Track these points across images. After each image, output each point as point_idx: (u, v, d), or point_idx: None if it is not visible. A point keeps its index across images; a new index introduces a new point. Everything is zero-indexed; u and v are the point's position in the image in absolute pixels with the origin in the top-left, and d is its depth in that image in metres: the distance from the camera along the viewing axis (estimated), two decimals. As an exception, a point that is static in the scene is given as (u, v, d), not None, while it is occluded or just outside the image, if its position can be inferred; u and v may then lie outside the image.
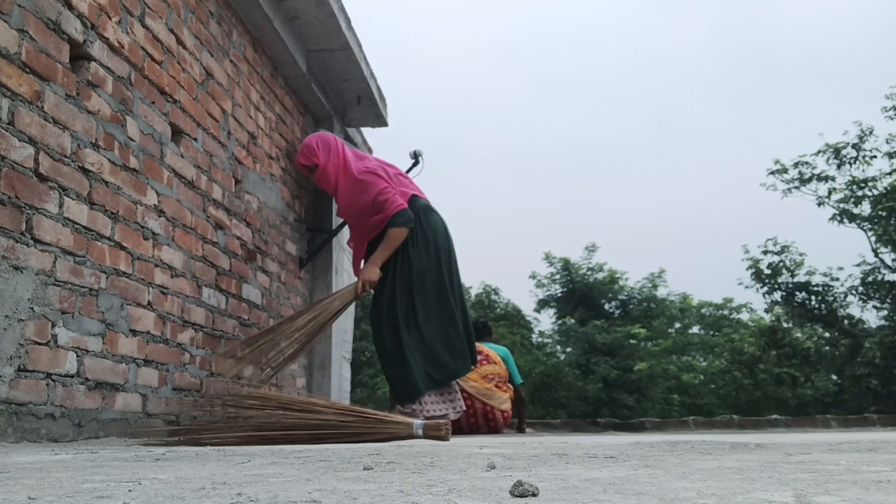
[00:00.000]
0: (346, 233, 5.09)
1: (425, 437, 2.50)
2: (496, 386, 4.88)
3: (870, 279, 13.66)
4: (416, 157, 4.93)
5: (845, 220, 13.70)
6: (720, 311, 20.28)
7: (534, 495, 0.99)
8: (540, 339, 20.31)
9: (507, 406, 4.90)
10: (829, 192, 13.84)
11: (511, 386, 5.11)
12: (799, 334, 15.26)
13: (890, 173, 13.33)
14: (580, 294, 19.32)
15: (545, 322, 27.79)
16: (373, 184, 3.81)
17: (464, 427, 4.68)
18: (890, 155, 13.36)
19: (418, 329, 3.82)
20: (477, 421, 4.77)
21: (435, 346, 3.82)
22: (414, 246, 3.87)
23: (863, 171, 13.60)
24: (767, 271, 14.45)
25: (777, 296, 14.54)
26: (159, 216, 3.01)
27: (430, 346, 3.81)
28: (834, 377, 15.75)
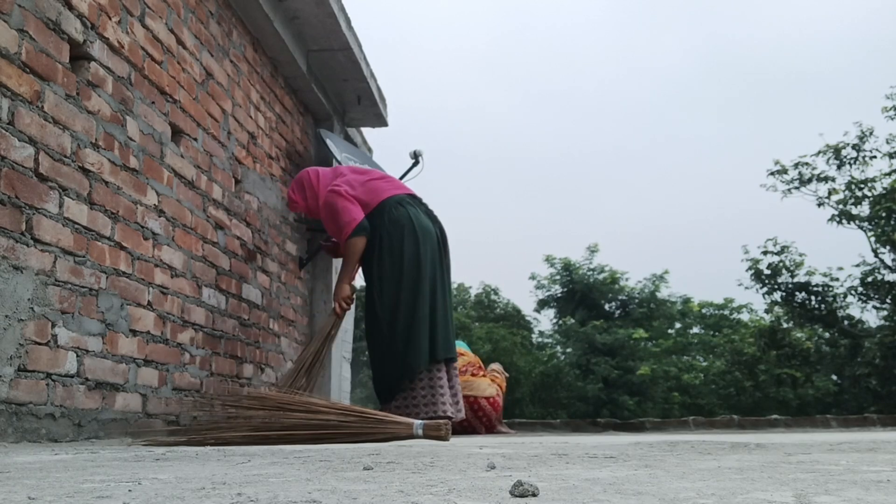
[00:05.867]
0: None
1: (425, 437, 2.50)
2: (472, 375, 4.86)
3: (869, 279, 13.64)
4: (415, 157, 4.94)
5: (845, 221, 13.69)
6: (721, 312, 20.27)
7: (534, 495, 0.99)
8: (540, 340, 20.32)
9: (491, 391, 4.87)
10: (829, 193, 13.83)
11: (487, 370, 5.11)
12: (799, 334, 15.25)
13: (889, 174, 13.32)
14: (580, 294, 19.33)
15: (545, 322, 27.77)
16: (334, 205, 3.91)
17: (454, 425, 4.67)
18: (890, 155, 13.35)
19: (381, 334, 3.87)
20: (465, 415, 4.77)
21: (397, 351, 3.83)
22: (379, 250, 3.89)
23: (862, 171, 13.60)
24: (767, 272, 14.43)
25: (777, 296, 14.52)
26: (159, 216, 3.01)
27: (393, 351, 3.84)
28: (834, 377, 15.74)
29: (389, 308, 3.85)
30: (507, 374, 5.49)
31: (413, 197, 4.08)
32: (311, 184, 4.02)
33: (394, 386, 3.83)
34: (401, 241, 3.87)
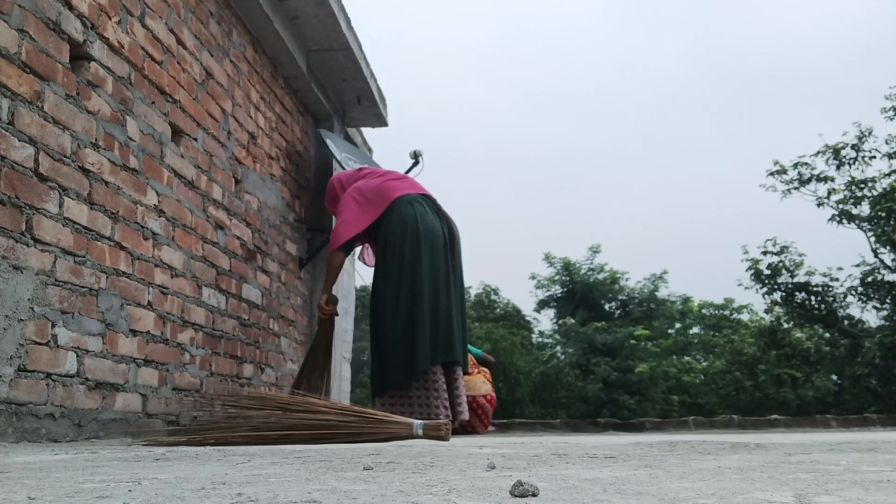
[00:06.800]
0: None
1: (425, 437, 2.50)
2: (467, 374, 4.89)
3: (869, 279, 13.64)
4: (415, 157, 4.94)
5: (844, 221, 13.69)
6: (721, 312, 20.27)
7: (534, 495, 0.99)
8: (540, 340, 20.32)
9: (486, 389, 4.88)
10: (829, 193, 13.83)
11: (480, 367, 5.14)
12: (799, 334, 15.25)
13: (889, 174, 13.33)
14: (580, 294, 19.34)
15: (545, 322, 27.79)
16: (339, 212, 4.10)
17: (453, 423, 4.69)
18: (889, 156, 13.35)
19: (380, 332, 3.92)
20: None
21: (394, 350, 3.84)
22: (383, 249, 3.94)
23: (862, 171, 13.60)
24: (767, 272, 14.43)
25: (777, 296, 14.52)
26: (159, 216, 3.01)
27: (390, 350, 3.86)
28: (834, 377, 15.74)
29: (389, 307, 3.86)
30: (494, 360, 5.68)
31: (426, 196, 4.09)
32: (337, 194, 4.24)
33: (389, 384, 3.83)
34: (402, 240, 3.88)
